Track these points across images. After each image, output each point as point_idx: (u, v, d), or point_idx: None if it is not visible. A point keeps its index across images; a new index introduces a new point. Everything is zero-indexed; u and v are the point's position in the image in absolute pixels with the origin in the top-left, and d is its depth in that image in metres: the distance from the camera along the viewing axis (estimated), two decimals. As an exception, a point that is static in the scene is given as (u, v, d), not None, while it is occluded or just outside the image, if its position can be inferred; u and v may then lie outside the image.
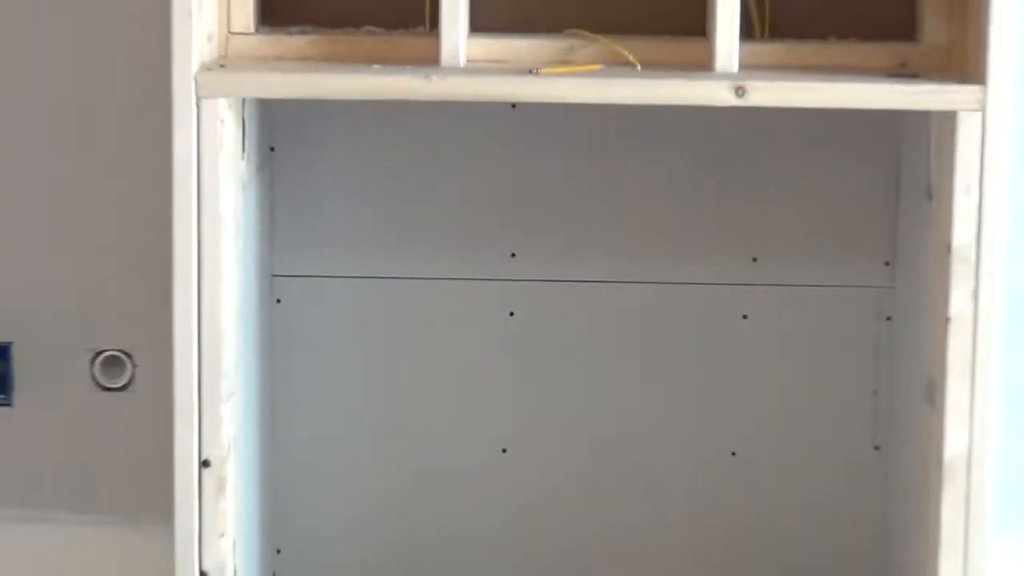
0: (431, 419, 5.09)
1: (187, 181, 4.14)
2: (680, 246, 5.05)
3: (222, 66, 4.26)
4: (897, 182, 4.85)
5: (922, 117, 4.40)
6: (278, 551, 5.05)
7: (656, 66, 4.27)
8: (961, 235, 4.16)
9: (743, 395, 5.07)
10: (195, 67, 4.09)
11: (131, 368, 4.94)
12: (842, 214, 4.99)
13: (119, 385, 4.95)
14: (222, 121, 4.15)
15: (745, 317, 4.94)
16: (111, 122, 4.83)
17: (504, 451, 5.01)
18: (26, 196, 4.90)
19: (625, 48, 4.27)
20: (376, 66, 4.31)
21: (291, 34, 4.53)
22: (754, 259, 4.92)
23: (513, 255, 4.94)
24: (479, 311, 5.02)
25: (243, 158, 4.38)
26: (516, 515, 5.18)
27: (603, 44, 4.34)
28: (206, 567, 4.30)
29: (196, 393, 4.25)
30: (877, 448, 5.00)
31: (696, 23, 4.42)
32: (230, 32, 4.49)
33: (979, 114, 4.05)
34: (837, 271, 5.00)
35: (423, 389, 5.11)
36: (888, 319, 4.89)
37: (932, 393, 4.32)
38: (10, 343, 4.96)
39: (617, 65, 4.26)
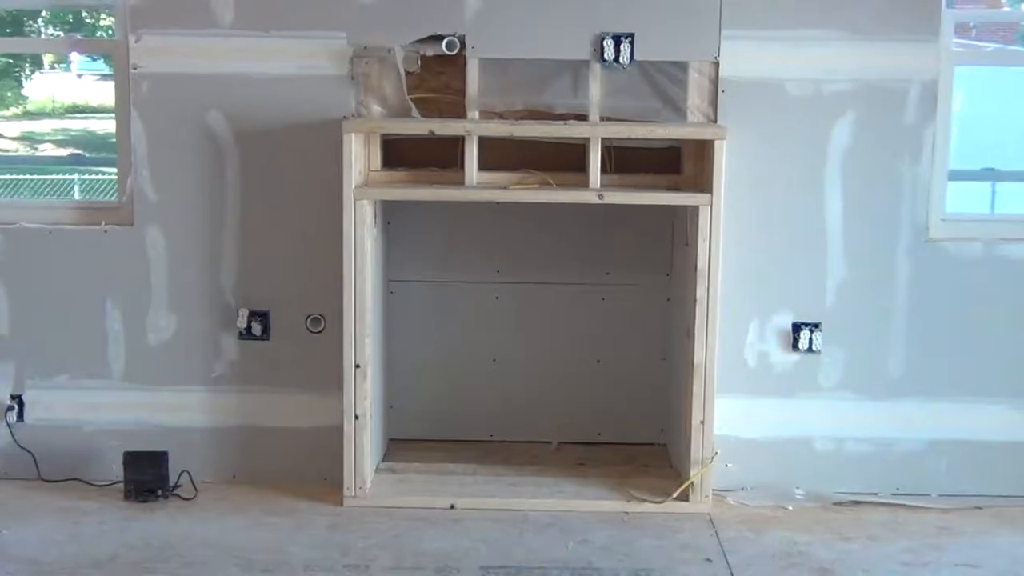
0: (462, 345, 5.66)
1: (350, 236, 4.90)
2: (572, 265, 5.61)
3: (366, 185, 5.04)
4: (672, 237, 5.49)
5: (684, 208, 5.09)
6: (391, 407, 5.65)
7: (562, 185, 5.01)
8: (701, 262, 4.92)
9: (602, 333, 5.66)
10: (354, 185, 4.88)
11: (324, 322, 5.22)
12: (648, 252, 5.59)
13: (318, 331, 5.25)
14: (365, 210, 4.92)
15: (603, 299, 5.63)
16: (320, 208, 5.04)
17: (494, 360, 5.69)
18: (293, 237, 5.19)
19: (548, 177, 5.02)
20: (435, 186, 5.04)
21: (396, 170, 5.17)
22: (607, 273, 5.61)
23: (498, 271, 5.61)
24: (482, 297, 5.65)
25: (375, 226, 5.14)
26: (503, 388, 5.70)
27: (538, 175, 5.04)
28: (358, 412, 5.03)
29: (353, 335, 4.97)
30: (664, 359, 5.64)
31: (580, 165, 5.01)
32: (370, 169, 5.16)
33: (708, 207, 4.87)
34: (647, 277, 5.63)
35: (458, 330, 5.67)
36: (668, 299, 5.60)
37: (687, 333, 5.04)
38: (268, 311, 5.25)
39: (545, 184, 5.02)
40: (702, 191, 4.90)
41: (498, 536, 4.73)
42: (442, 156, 5.07)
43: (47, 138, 11.26)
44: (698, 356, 4.95)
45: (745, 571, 4.44)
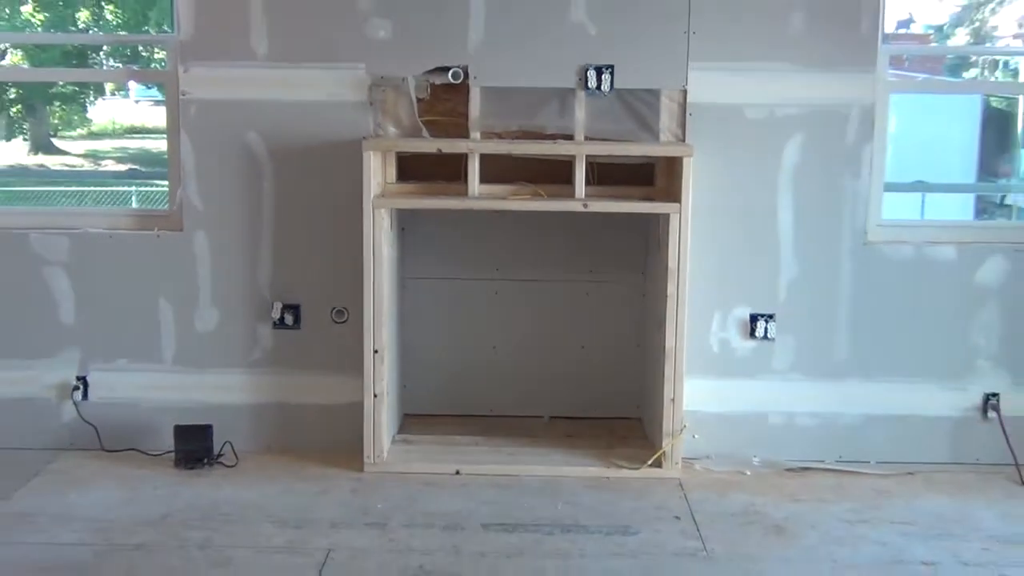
0: (466, 333, 5.57)
1: (369, 240, 4.89)
2: (560, 265, 5.53)
3: (383, 196, 5.03)
4: (647, 240, 5.44)
5: (657, 216, 5.06)
6: (405, 386, 5.58)
7: (552, 195, 5.03)
8: (671, 262, 4.92)
9: (586, 323, 5.58)
10: (372, 196, 4.89)
11: (347, 314, 5.21)
12: (625, 253, 5.52)
13: (342, 321, 5.24)
14: (383, 217, 4.92)
15: (587, 294, 5.56)
16: (343, 215, 5.04)
17: (494, 346, 5.61)
18: (320, 240, 5.18)
19: (539, 189, 5.04)
20: (442, 197, 5.03)
21: (408, 183, 5.17)
22: (590, 271, 5.54)
23: (497, 270, 5.55)
24: (483, 292, 5.57)
25: (391, 231, 5.13)
26: (501, 370, 5.61)
27: (531, 187, 5.05)
28: (376, 391, 5.02)
29: (372, 324, 4.96)
30: (639, 345, 5.57)
31: (568, 178, 5.01)
32: (386, 182, 5.15)
33: (678, 214, 4.87)
34: (624, 275, 5.56)
35: (462, 320, 5.58)
36: (643, 295, 5.53)
37: (660, 324, 5.01)
38: (299, 304, 5.26)
39: (537, 195, 5.04)
40: (672, 201, 4.88)
41: (497, 498, 4.74)
42: (449, 171, 5.06)
43: (108, 155, 11.27)
44: (669, 343, 4.94)
45: (709, 528, 4.46)
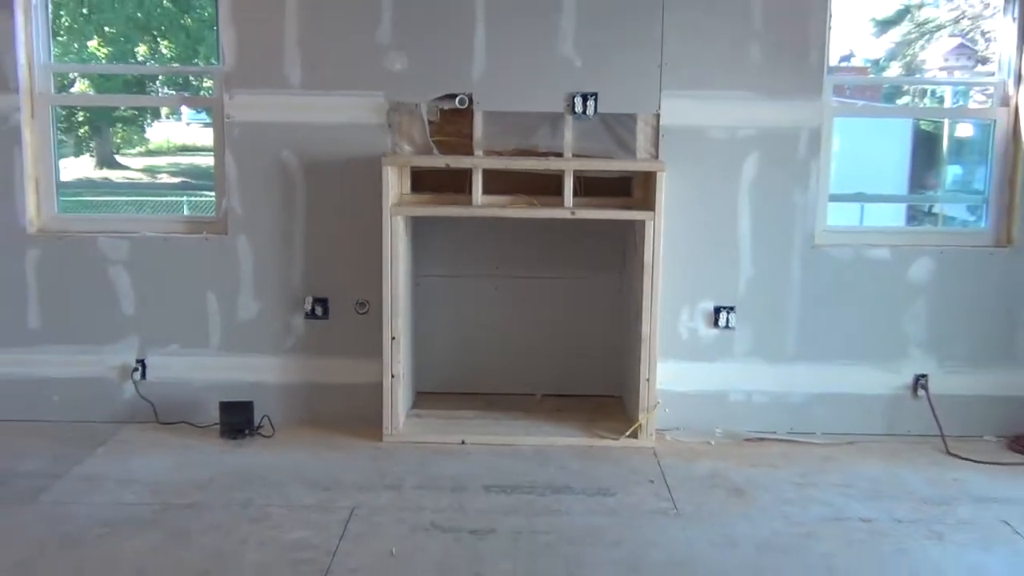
0: (470, 322, 5.51)
1: (387, 242, 4.88)
2: (551, 263, 5.47)
3: (399, 204, 5.00)
4: (625, 243, 5.39)
5: (634, 222, 5.04)
6: (418, 367, 5.50)
7: (544, 204, 4.99)
8: (647, 261, 4.90)
9: (573, 314, 5.52)
10: (390, 204, 4.86)
11: (368, 306, 5.19)
12: (607, 254, 5.46)
13: (364, 312, 5.22)
14: (399, 223, 4.90)
15: (575, 289, 5.50)
16: (365, 221, 5.08)
17: (494, 333, 5.54)
18: (345, 243, 5.15)
19: (533, 199, 5.03)
20: (450, 205, 5.01)
21: (421, 194, 5.14)
22: (577, 269, 5.48)
23: (497, 268, 5.48)
24: (485, 287, 5.50)
25: (406, 234, 5.08)
26: (500, 354, 5.56)
27: (526, 198, 5.04)
28: (393, 372, 5.00)
29: (390, 315, 4.92)
30: (618, 333, 5.49)
31: (558, 190, 4.98)
32: (402, 193, 5.13)
33: (652, 221, 4.85)
34: (606, 273, 5.49)
35: (467, 312, 5.51)
36: (622, 289, 5.46)
37: (637, 314, 4.96)
38: (327, 297, 5.23)
39: (531, 204, 5.01)
40: (647, 209, 4.87)
41: (497, 463, 4.73)
42: (456, 183, 5.05)
43: (163, 170, 11.28)
44: (644, 331, 4.92)
45: (679, 490, 4.46)
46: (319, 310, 5.21)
